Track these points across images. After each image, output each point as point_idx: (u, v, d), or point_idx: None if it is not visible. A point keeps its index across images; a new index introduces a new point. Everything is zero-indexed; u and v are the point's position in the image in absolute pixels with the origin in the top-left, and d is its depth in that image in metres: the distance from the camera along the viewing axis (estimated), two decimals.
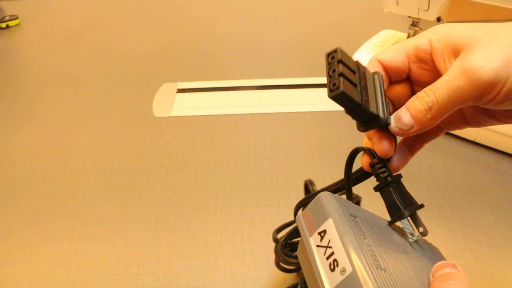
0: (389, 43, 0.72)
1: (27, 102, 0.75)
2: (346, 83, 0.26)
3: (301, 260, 0.29)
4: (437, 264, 0.26)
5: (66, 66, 0.85)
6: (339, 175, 0.34)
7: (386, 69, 0.29)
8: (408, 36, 0.70)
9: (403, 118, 0.27)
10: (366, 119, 0.28)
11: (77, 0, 1.15)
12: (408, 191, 0.30)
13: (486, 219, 0.50)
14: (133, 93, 0.76)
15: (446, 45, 0.26)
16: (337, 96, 0.25)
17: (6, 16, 1.01)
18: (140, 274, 0.46)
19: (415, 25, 0.68)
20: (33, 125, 0.69)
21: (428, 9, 0.63)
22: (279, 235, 0.42)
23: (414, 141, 0.32)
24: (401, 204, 0.29)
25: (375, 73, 0.29)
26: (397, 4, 0.66)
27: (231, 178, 0.57)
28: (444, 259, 0.29)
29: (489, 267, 0.45)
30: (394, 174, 0.30)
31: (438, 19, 0.66)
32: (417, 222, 0.29)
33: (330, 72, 0.26)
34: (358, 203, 0.42)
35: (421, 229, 0.29)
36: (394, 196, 0.30)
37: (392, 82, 0.30)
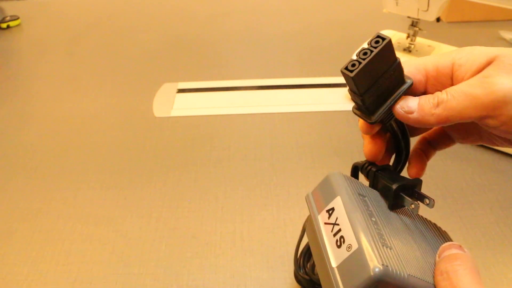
0: None
1: (27, 102, 0.75)
2: (363, 73, 0.25)
3: (309, 237, 0.29)
4: (443, 245, 0.26)
5: (66, 66, 0.85)
6: None
7: None
8: (408, 36, 0.70)
9: (410, 102, 0.26)
10: (360, 108, 0.28)
11: (78, 1, 1.15)
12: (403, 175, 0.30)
13: (485, 218, 0.50)
14: (133, 93, 0.76)
15: (469, 68, 0.25)
16: (345, 76, 0.25)
17: (7, 17, 1.01)
18: (140, 274, 0.46)
19: (415, 26, 0.68)
20: (33, 125, 0.69)
21: (427, 10, 0.63)
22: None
23: (428, 146, 0.32)
24: (389, 183, 0.29)
25: (408, 78, 0.27)
26: (396, 5, 0.66)
27: (231, 178, 0.57)
28: (451, 241, 0.29)
29: (489, 267, 0.45)
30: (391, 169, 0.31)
31: (438, 20, 0.66)
32: (421, 197, 0.29)
33: (361, 55, 0.25)
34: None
35: (427, 201, 0.28)
36: (384, 182, 0.29)
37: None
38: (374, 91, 0.26)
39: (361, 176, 0.33)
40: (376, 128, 0.29)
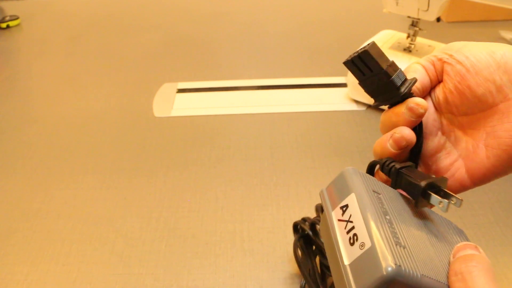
0: (389, 43, 0.72)
1: (27, 102, 0.75)
2: (375, 49, 0.28)
3: (322, 234, 0.29)
4: (458, 245, 0.26)
5: (66, 66, 0.85)
6: None
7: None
8: (408, 36, 0.70)
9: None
10: (386, 89, 0.29)
11: (78, 1, 1.15)
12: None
13: (485, 218, 0.50)
14: (133, 93, 0.76)
15: None
16: (363, 52, 0.27)
17: (6, 16, 1.01)
18: (140, 274, 0.46)
19: (415, 25, 0.68)
20: (33, 125, 0.69)
21: (427, 9, 0.63)
22: None
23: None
24: (417, 181, 0.28)
25: (412, 78, 0.30)
26: (396, 5, 0.66)
27: (231, 178, 0.57)
28: (467, 240, 0.28)
29: None
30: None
31: (438, 19, 0.66)
32: (448, 195, 0.27)
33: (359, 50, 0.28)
34: None
35: (453, 200, 0.27)
36: (409, 179, 0.28)
37: None
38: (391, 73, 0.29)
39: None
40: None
